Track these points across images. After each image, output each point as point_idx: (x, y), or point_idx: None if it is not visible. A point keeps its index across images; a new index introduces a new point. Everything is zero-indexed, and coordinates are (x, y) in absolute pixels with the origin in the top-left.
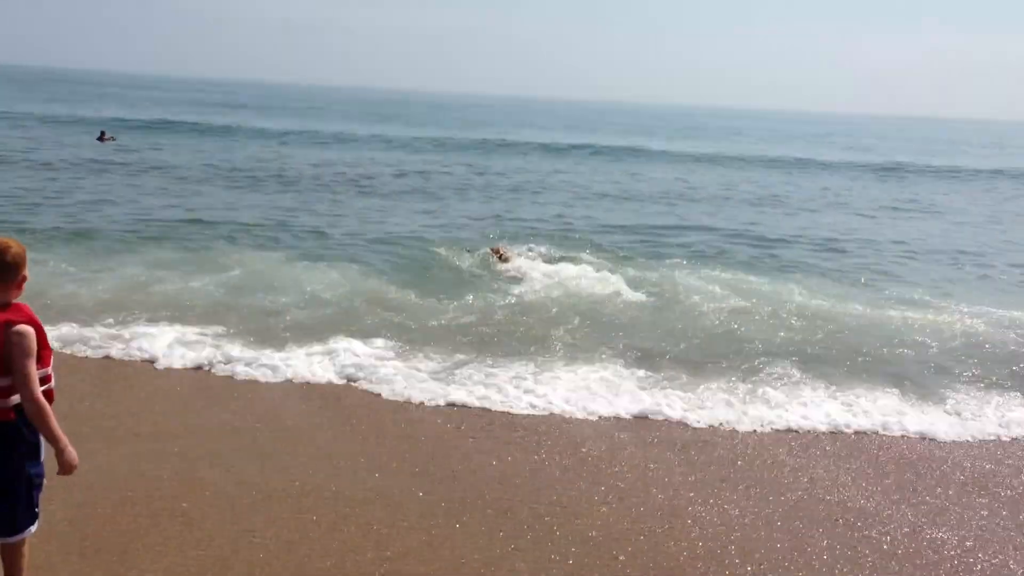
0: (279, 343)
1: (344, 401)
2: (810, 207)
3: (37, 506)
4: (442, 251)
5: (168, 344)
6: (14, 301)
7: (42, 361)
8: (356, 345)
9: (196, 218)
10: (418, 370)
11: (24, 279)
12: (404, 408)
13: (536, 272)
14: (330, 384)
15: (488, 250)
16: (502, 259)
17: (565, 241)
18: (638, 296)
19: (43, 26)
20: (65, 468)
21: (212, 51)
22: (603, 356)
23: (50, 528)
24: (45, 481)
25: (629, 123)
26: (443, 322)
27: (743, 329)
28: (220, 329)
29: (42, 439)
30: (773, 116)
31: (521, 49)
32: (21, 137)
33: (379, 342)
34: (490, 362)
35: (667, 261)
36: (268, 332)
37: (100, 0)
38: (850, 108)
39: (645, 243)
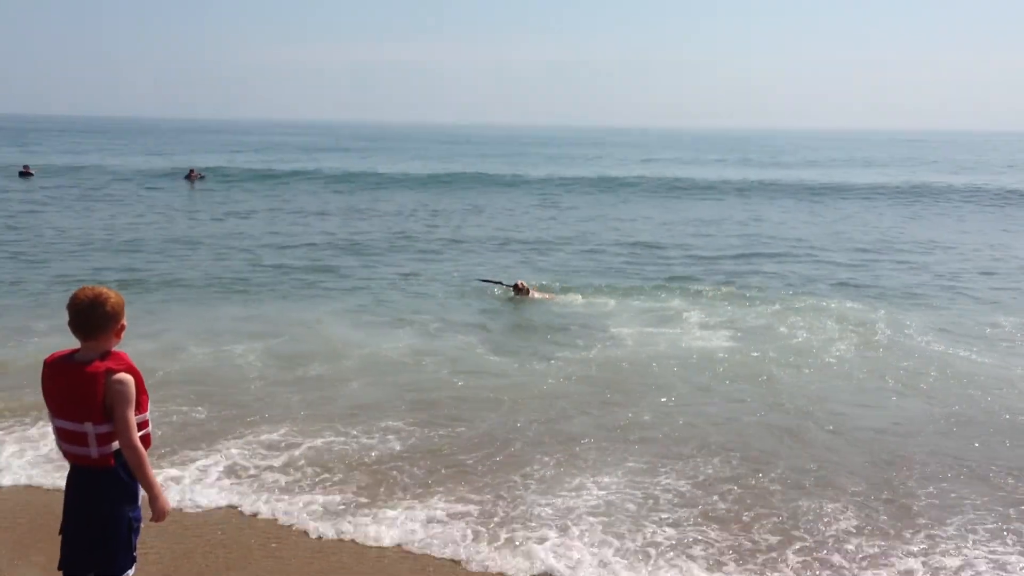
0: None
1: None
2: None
3: (135, 549)
4: (498, 294)
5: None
6: (113, 349)
7: (140, 407)
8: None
9: (273, 263)
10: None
11: (123, 328)
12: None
13: (613, 321)
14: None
15: (510, 285)
16: (520, 291)
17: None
18: (733, 345)
19: (110, 79)
20: (158, 515)
21: (281, 95)
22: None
23: (145, 569)
24: (142, 525)
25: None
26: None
27: (871, 397)
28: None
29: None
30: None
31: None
32: (110, 181)
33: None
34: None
35: (758, 293)
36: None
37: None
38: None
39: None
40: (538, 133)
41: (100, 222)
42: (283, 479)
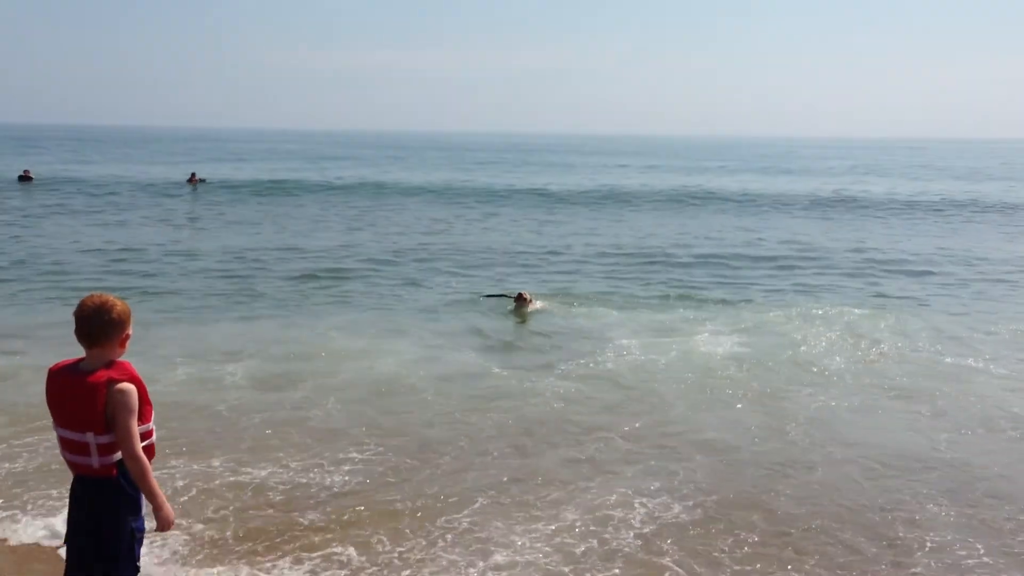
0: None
1: None
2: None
3: (138, 559)
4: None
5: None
6: (117, 360)
7: (143, 417)
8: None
9: (275, 275)
10: None
11: (127, 337)
12: None
13: (619, 330)
14: None
15: (513, 296)
16: (522, 302)
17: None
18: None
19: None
20: (163, 525)
21: (281, 102)
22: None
23: None
24: (145, 536)
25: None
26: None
27: (879, 420)
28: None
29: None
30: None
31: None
32: (110, 188)
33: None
34: None
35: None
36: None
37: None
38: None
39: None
40: (538, 140)
41: (99, 230)
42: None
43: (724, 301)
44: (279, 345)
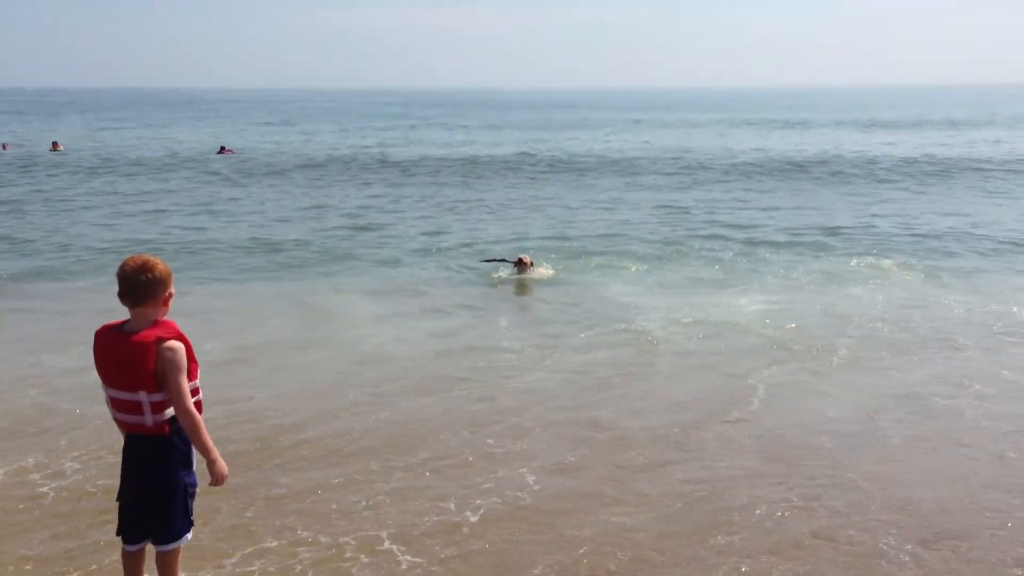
0: None
1: None
2: None
3: (192, 514)
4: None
5: None
6: (161, 319)
7: (190, 375)
8: None
9: (296, 241)
10: None
11: (171, 296)
12: None
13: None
14: None
15: (512, 262)
16: (522, 266)
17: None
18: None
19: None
20: (216, 479)
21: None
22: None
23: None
24: (198, 490)
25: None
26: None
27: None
28: None
29: (193, 449)
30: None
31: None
32: (136, 158)
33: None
34: None
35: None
36: None
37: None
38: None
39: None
40: (569, 97)
41: (124, 206)
42: None
43: (746, 266)
44: (276, 319)
